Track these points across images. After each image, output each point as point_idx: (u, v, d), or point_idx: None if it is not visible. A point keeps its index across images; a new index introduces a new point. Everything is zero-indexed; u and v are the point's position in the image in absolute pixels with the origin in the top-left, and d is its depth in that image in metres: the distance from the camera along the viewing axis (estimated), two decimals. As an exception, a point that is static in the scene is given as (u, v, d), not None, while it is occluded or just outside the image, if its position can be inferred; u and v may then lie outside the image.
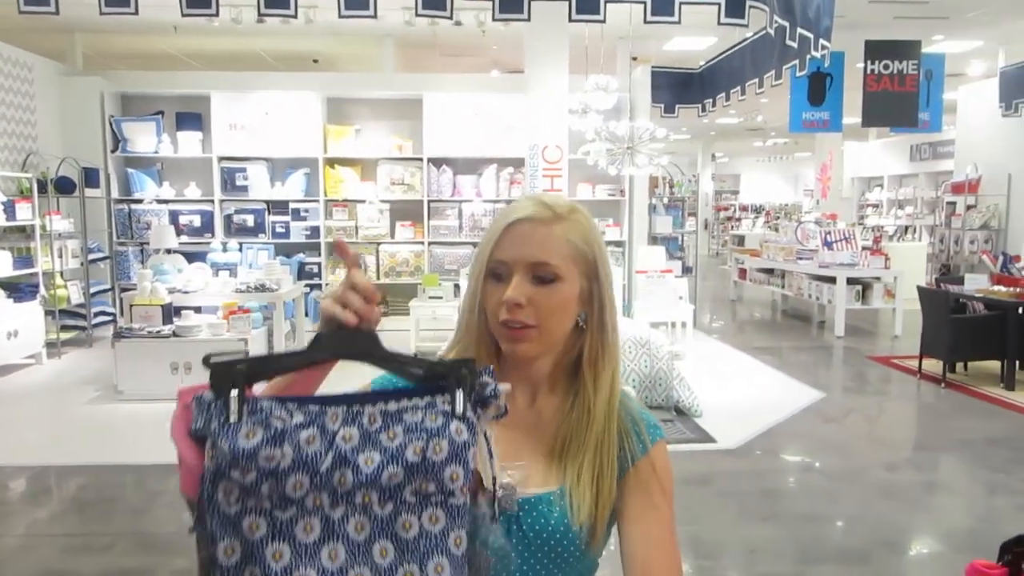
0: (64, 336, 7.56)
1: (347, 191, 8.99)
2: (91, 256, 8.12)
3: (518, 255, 1.04)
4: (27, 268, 7.15)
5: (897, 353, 7.85)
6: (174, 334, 5.98)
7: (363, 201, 8.99)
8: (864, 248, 9.14)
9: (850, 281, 8.74)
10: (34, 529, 3.85)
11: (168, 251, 7.36)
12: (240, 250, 7.92)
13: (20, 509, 4.19)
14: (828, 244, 9.05)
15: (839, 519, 3.98)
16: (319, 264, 9.11)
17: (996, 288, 6.87)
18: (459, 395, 0.87)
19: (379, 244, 9.08)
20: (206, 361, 0.85)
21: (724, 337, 8.87)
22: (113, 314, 8.25)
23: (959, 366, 6.93)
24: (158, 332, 5.98)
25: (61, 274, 7.66)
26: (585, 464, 1.04)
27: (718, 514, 3.99)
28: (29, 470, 4.60)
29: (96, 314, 8.09)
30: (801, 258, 9.60)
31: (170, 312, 6.14)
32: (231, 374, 0.83)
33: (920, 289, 7.01)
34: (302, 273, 8.88)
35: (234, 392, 0.82)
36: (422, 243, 9.08)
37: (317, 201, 8.95)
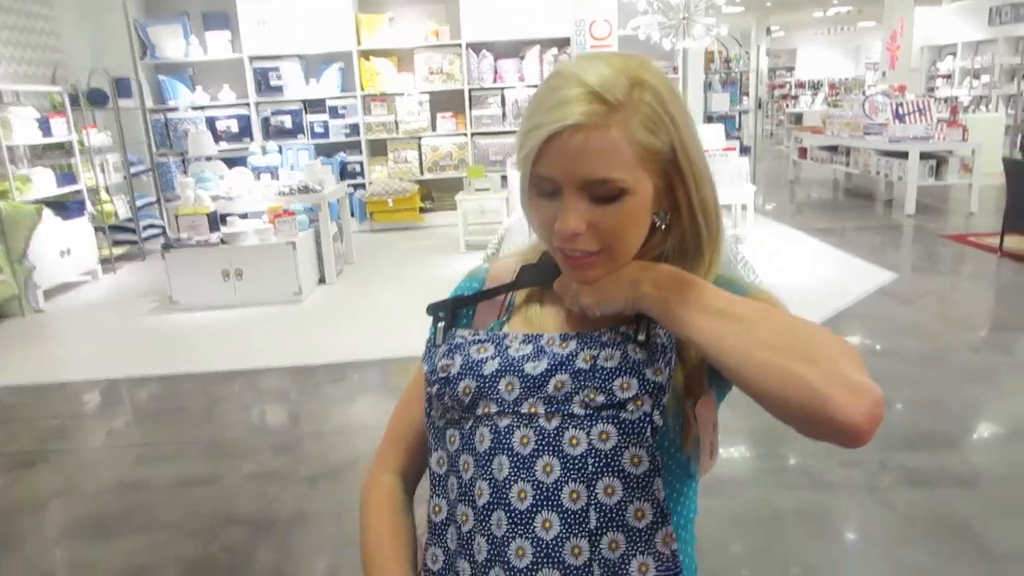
0: (117, 251, 7.58)
1: (384, 84, 8.66)
2: (133, 169, 8.04)
3: (568, 174, 0.79)
4: (71, 185, 7.09)
5: (974, 231, 7.40)
6: (222, 241, 5.91)
7: (401, 94, 8.67)
8: (939, 120, 8.51)
9: (923, 156, 8.18)
10: (107, 441, 3.89)
11: (208, 158, 7.21)
12: (280, 152, 7.73)
13: (92, 423, 4.24)
14: (899, 117, 8.45)
15: (922, 404, 3.78)
16: (361, 163, 8.91)
17: (1088, 152, 6.33)
18: (649, 327, 0.82)
19: (420, 138, 8.81)
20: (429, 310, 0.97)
21: (784, 219, 8.49)
22: (162, 226, 8.23)
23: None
24: (206, 241, 5.92)
25: (106, 189, 7.61)
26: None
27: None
28: (94, 384, 4.65)
29: (145, 227, 8.08)
30: (869, 133, 9.02)
31: (216, 220, 6.06)
32: (436, 308, 0.96)
33: (1006, 160, 6.50)
34: (344, 173, 8.70)
35: (440, 324, 0.94)
36: (465, 135, 8.78)
37: (354, 97, 8.66)
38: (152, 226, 8.25)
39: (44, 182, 6.71)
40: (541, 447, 0.79)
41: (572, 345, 0.83)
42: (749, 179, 7.52)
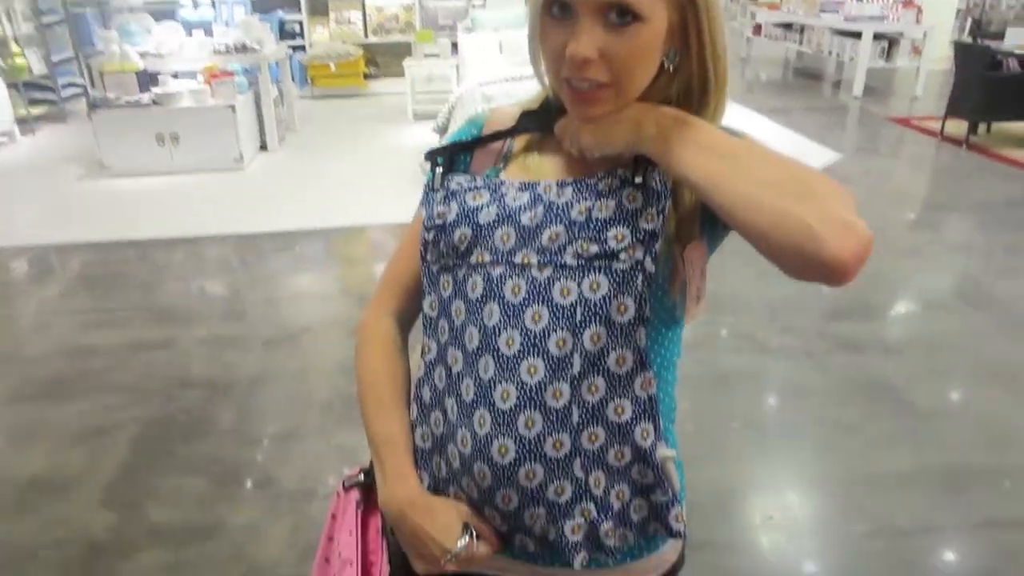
0: (35, 111, 7.12)
1: (323, -63, 8.09)
2: (44, 19, 7.41)
3: None
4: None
5: (917, 114, 7.54)
6: (154, 103, 5.59)
7: (342, -51, 8.12)
8: (896, 0, 8.46)
9: (876, 37, 8.18)
10: (46, 307, 3.80)
11: (131, 10, 6.70)
12: (213, 6, 7.23)
13: (28, 289, 4.12)
14: (856, -6, 8.37)
15: (857, 277, 3.95)
16: (300, 23, 8.44)
17: (1037, 42, 6.44)
18: (646, 170, 0.81)
19: (364, -1, 8.36)
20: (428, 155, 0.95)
21: (734, 97, 8.41)
22: (83, 85, 7.72)
23: (981, 128, 6.68)
24: (137, 101, 5.59)
25: (15, 40, 7.02)
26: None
27: (739, 273, 3.96)
28: (28, 250, 4.48)
29: (65, 86, 7.57)
30: (825, 11, 8.94)
31: (146, 79, 5.71)
32: (434, 153, 0.94)
33: (957, 44, 6.57)
34: (283, 33, 8.24)
35: (438, 169, 0.93)
36: (411, -4, 8.36)
37: (294, -48, 8.08)
38: (73, 84, 7.73)
39: None
40: (531, 296, 0.81)
41: (568, 193, 0.83)
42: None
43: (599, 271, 0.79)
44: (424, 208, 0.91)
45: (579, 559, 0.84)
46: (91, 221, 4.88)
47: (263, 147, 6.27)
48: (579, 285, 0.79)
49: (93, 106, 5.58)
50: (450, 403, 0.86)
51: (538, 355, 0.79)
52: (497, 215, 0.84)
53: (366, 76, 8.57)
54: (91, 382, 3.05)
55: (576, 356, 0.79)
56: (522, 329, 0.80)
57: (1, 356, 3.30)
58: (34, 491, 2.44)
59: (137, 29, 6.21)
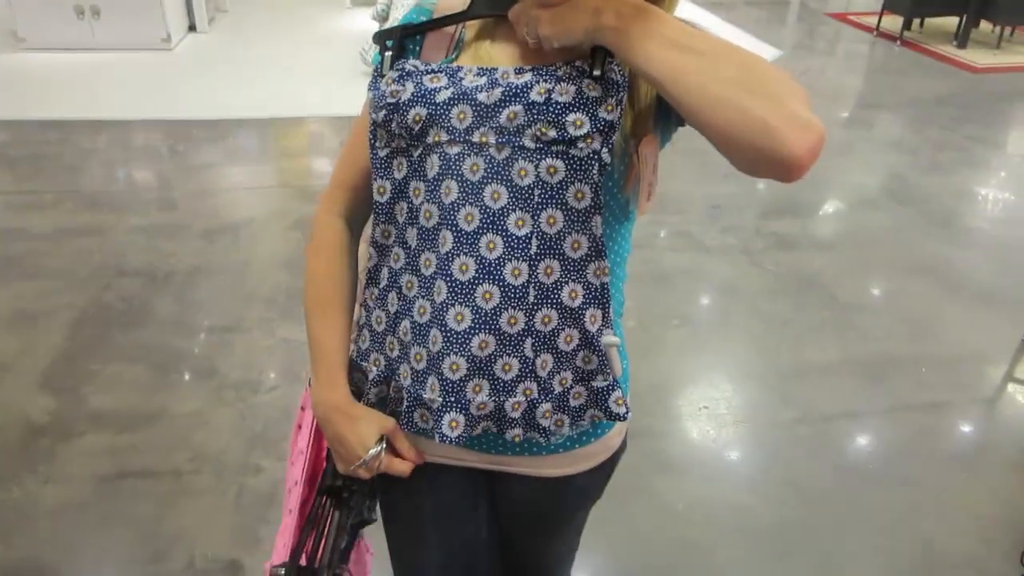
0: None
1: None
2: None
3: None
4: None
5: (854, 10, 7.56)
6: (70, -29, 5.17)
7: None
8: None
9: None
10: (-36, 188, 3.60)
11: None
12: None
13: (-60, 168, 3.88)
14: None
15: (793, 176, 4.06)
16: None
17: (974, -63, 6.45)
18: (605, 61, 0.78)
19: None
20: (375, 38, 0.90)
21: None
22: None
23: (915, 24, 6.75)
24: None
25: None
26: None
27: (682, 172, 4.00)
28: (-62, 126, 4.19)
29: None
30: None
31: (59, -56, 5.25)
32: (383, 35, 0.89)
33: (895, -64, 6.53)
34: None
35: (387, 53, 0.88)
36: None
37: None
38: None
39: None
40: (490, 175, 0.80)
41: (527, 77, 0.81)
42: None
43: (557, 156, 0.78)
44: (371, 91, 0.87)
45: (512, 433, 0.87)
46: (6, 97, 4.57)
47: (192, 28, 5.90)
48: (536, 168, 0.79)
49: (1, -29, 5.13)
50: (407, 279, 0.86)
51: (497, 232, 0.80)
52: (453, 94, 0.81)
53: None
54: (23, 266, 2.95)
55: (534, 238, 0.80)
56: (481, 207, 0.80)
57: (-81, 240, 3.14)
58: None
59: None
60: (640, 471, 2.12)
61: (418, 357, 0.85)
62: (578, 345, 0.85)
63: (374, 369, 0.92)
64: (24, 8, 5.14)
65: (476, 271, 0.81)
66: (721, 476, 2.18)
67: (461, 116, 0.80)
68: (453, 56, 0.91)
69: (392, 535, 1.08)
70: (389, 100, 0.83)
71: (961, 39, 6.35)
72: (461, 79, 0.83)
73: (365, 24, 5.58)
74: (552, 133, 0.77)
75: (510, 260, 0.81)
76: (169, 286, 2.86)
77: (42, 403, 2.29)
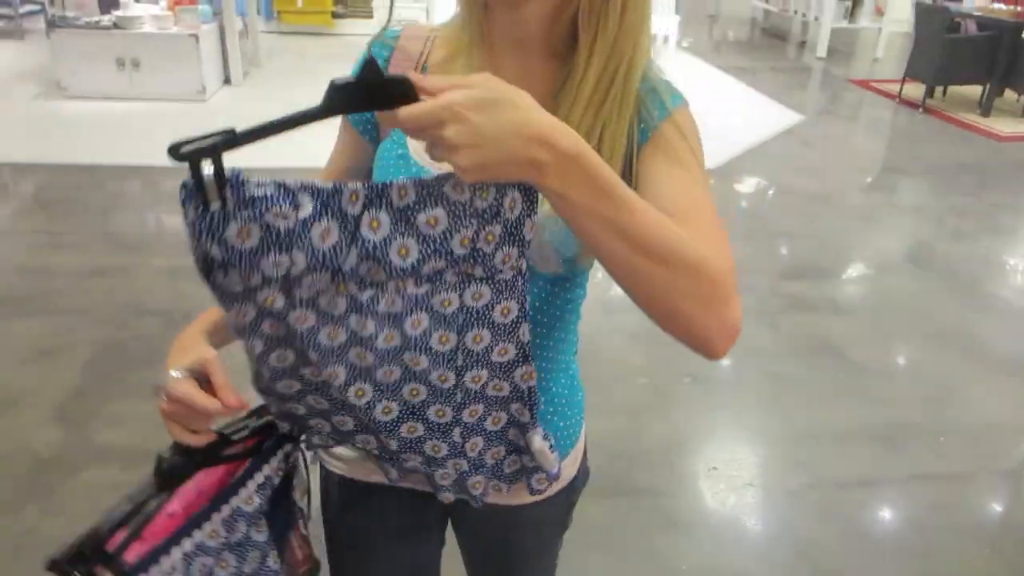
0: (-12, 26, 6.83)
1: None
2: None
3: None
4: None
5: (877, 76, 7.63)
6: (115, 25, 5.39)
7: None
8: (862, -41, 8.49)
9: (840, -5, 8.24)
10: (0, 226, 3.71)
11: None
12: (177, -70, 6.94)
13: (-23, 207, 4.01)
14: (825, -47, 8.36)
15: (812, 239, 4.06)
16: (267, -48, 8.15)
17: (996, 6, 6.55)
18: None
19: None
20: (174, 153, 0.61)
21: (701, 54, 8.46)
22: (42, 3, 7.39)
23: (938, 91, 6.80)
24: (97, 23, 5.39)
25: (-30, -50, 6.70)
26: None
27: (697, 231, 4.03)
28: (-21, 168, 4.34)
29: (23, 2, 7.26)
30: (792, -31, 8.94)
31: (107, 0, 5.50)
32: (203, 151, 0.61)
33: (917, 5, 6.63)
34: (249, -38, 7.95)
35: (208, 171, 0.61)
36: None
37: None
38: (32, 1, 7.41)
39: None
40: (410, 307, 0.73)
41: (443, 220, 0.68)
42: (674, 9, 7.40)
43: (481, 283, 0.73)
44: (197, 236, 0.63)
45: (444, 496, 0.88)
46: (46, 142, 4.73)
47: (227, 81, 6.10)
48: (460, 297, 0.74)
49: (52, 25, 5.38)
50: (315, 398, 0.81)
51: (421, 351, 0.76)
52: (359, 255, 0.67)
53: (334, 15, 8.34)
54: (45, 303, 3.01)
55: (459, 353, 0.77)
56: (402, 332, 0.74)
57: (-50, 275, 3.23)
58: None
59: (97, -54, 5.94)
60: (644, 529, 2.07)
61: (342, 423, 0.84)
62: (507, 424, 0.84)
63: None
64: (68, 59, 5.36)
65: (401, 376, 0.78)
66: (728, 540, 2.13)
67: (374, 272, 0.69)
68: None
69: (336, 557, 1.06)
70: (273, 271, 0.65)
71: (985, 107, 6.37)
72: (359, 227, 0.67)
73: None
74: (479, 271, 0.72)
75: (436, 369, 0.78)
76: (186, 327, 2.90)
77: (51, 437, 2.31)
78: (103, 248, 3.50)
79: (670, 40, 7.21)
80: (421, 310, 0.73)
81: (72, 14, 5.40)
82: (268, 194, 0.63)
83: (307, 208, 0.63)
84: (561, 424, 0.96)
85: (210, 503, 0.84)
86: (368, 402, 0.77)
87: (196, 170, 0.61)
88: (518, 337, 0.77)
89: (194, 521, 0.84)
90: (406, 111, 0.60)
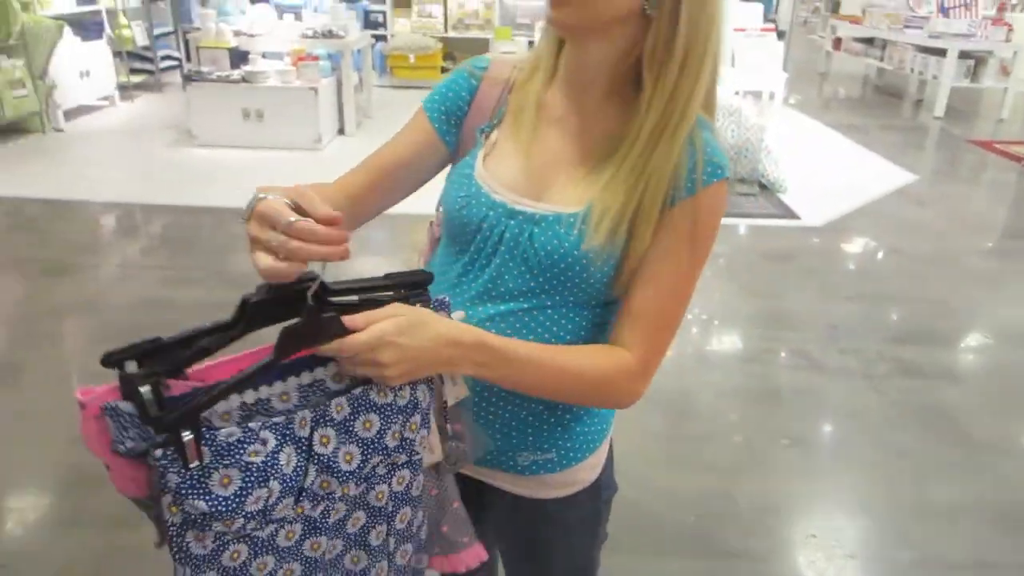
0: (134, 79, 7.46)
1: (414, -69, 8.24)
2: (151, -6, 7.78)
3: None
4: (89, 4, 6.90)
5: (1001, 138, 7.28)
6: (243, 80, 5.81)
7: (432, -58, 8.26)
8: (985, 17, 8.17)
9: (961, 55, 7.91)
10: (129, 261, 4.01)
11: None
12: (304, -9, 7.47)
13: (114, 243, 4.35)
14: (944, 11, 8.12)
15: (924, 302, 3.87)
16: (384, 13, 8.62)
17: None
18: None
19: (448, -7, 8.48)
20: (110, 362, 0.69)
21: (809, 112, 8.31)
22: (178, 59, 8.05)
23: (1069, 155, 6.42)
24: (227, 77, 5.82)
25: (124, 13, 7.38)
26: (620, 182, 0.87)
27: (800, 290, 3.92)
28: (117, 207, 4.71)
29: (162, 58, 7.91)
30: (909, 26, 8.68)
31: (238, 57, 5.93)
32: (130, 380, 0.68)
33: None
34: (367, 22, 8.43)
35: (187, 435, 0.67)
36: (494, -7, 8.44)
37: (383, -58, 8.26)
38: (169, 57, 8.07)
39: (64, -2, 6.52)
40: (351, 508, 0.83)
41: (376, 423, 0.80)
42: (782, 66, 7.33)
43: (403, 467, 0.85)
44: (180, 498, 0.69)
45: None
46: (175, 185, 5.10)
47: (341, 131, 6.44)
48: (389, 486, 0.84)
49: (187, 78, 5.83)
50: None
51: (360, 548, 0.86)
52: (316, 470, 0.76)
53: (443, 69, 8.69)
54: (167, 333, 3.20)
55: (391, 538, 0.87)
56: (344, 535, 0.83)
57: (86, 302, 3.50)
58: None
59: (233, 9, 6.46)
60: (735, 595, 2.00)
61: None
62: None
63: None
64: (199, 110, 5.80)
65: (343, 546, 0.86)
66: (825, 613, 2.02)
67: (325, 484, 0.77)
68: (493, 122, 0.99)
69: None
70: (251, 508, 0.71)
71: (1120, 172, 5.97)
72: (311, 447, 0.76)
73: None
74: (402, 458, 0.83)
75: (376, 563, 0.88)
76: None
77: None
78: (220, 284, 3.72)
79: (776, 97, 7.12)
80: (360, 508, 0.83)
81: (206, 69, 5.84)
82: (238, 439, 0.70)
83: (272, 441, 0.72)
84: (579, 429, 1.02)
85: (292, 363, 0.77)
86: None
87: (175, 436, 0.68)
88: (421, 500, 0.89)
89: (266, 372, 0.74)
90: (349, 342, 0.72)
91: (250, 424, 0.72)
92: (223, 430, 0.70)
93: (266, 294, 0.75)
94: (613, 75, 0.90)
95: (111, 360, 0.69)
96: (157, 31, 7.87)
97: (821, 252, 4.47)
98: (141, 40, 7.61)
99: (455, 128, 1.03)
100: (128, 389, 0.68)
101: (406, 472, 0.85)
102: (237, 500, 0.69)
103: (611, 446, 1.11)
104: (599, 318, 0.96)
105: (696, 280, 0.93)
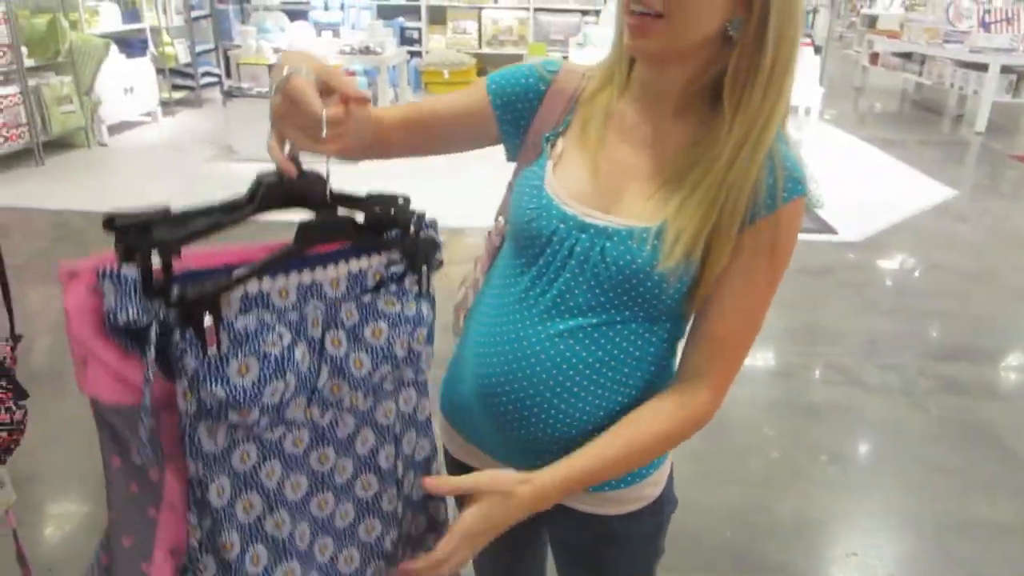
0: (176, 96, 7.64)
1: (450, -53, 8.36)
2: (193, 13, 7.98)
3: None
4: (135, 23, 7.10)
5: (1044, 152, 7.16)
6: (283, 95, 5.91)
7: (467, -40, 8.36)
8: (1027, 31, 8.04)
9: (1003, 69, 7.77)
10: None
11: (268, 8, 7.12)
12: (342, 9, 7.59)
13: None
14: (985, 25, 8.00)
15: (965, 318, 3.81)
16: (419, 30, 8.73)
17: None
18: (425, 273, 0.86)
19: (481, 9, 8.57)
20: (112, 228, 0.64)
21: (846, 127, 8.23)
22: (219, 75, 8.23)
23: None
24: (267, 92, 5.92)
25: (167, 31, 7.58)
26: (696, 202, 0.85)
27: (838, 304, 3.87)
28: (158, 220, 4.82)
29: (203, 74, 8.09)
30: (949, 41, 8.56)
31: (277, 72, 6.05)
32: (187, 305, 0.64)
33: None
34: (403, 39, 8.54)
35: (208, 319, 0.65)
36: (527, 9, 8.51)
37: (419, -41, 8.38)
38: (209, 74, 8.25)
39: (110, 16, 6.72)
40: (360, 424, 0.85)
41: (386, 328, 0.82)
42: (818, 81, 7.28)
43: (410, 386, 0.87)
44: (197, 383, 0.67)
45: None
46: (213, 197, 5.19)
47: (376, 145, 6.52)
48: (396, 403, 0.87)
49: (228, 94, 5.97)
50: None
51: (371, 471, 0.88)
52: (329, 372, 0.77)
53: (478, 84, 8.78)
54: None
55: (400, 462, 0.90)
56: (353, 456, 0.85)
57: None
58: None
59: (272, 27, 6.60)
60: (775, 611, 1.97)
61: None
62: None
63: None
64: (239, 125, 5.91)
65: (356, 512, 0.89)
66: (867, 631, 1.99)
67: (336, 388, 0.78)
68: (560, 129, 0.98)
69: None
70: (268, 400, 0.70)
71: None
72: (324, 348, 0.77)
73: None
74: (409, 374, 0.86)
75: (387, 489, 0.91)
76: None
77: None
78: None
79: (812, 112, 7.06)
80: (368, 426, 0.84)
81: (246, 85, 5.96)
82: (256, 329, 0.69)
83: (287, 336, 0.72)
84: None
85: (297, 258, 0.77)
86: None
87: (192, 315, 0.65)
88: (432, 431, 0.94)
89: (270, 264, 0.73)
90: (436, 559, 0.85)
91: (264, 317, 0.71)
92: (239, 320, 0.69)
93: (279, 180, 0.76)
94: (688, 92, 0.90)
95: (114, 226, 0.63)
96: (199, 48, 8.06)
97: (859, 267, 4.41)
98: (183, 57, 7.80)
99: (515, 125, 1.02)
100: (133, 256, 0.62)
101: (412, 392, 0.87)
102: (255, 390, 0.68)
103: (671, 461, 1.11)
104: (670, 333, 0.95)
105: (771, 299, 0.92)
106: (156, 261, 0.65)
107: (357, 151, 0.92)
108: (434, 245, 0.86)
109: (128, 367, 0.64)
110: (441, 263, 0.90)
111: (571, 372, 0.91)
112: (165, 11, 7.56)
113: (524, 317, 0.93)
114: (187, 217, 0.72)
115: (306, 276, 0.76)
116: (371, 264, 0.82)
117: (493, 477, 0.86)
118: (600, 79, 0.98)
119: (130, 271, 0.62)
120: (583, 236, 0.90)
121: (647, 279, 0.87)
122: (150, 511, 0.71)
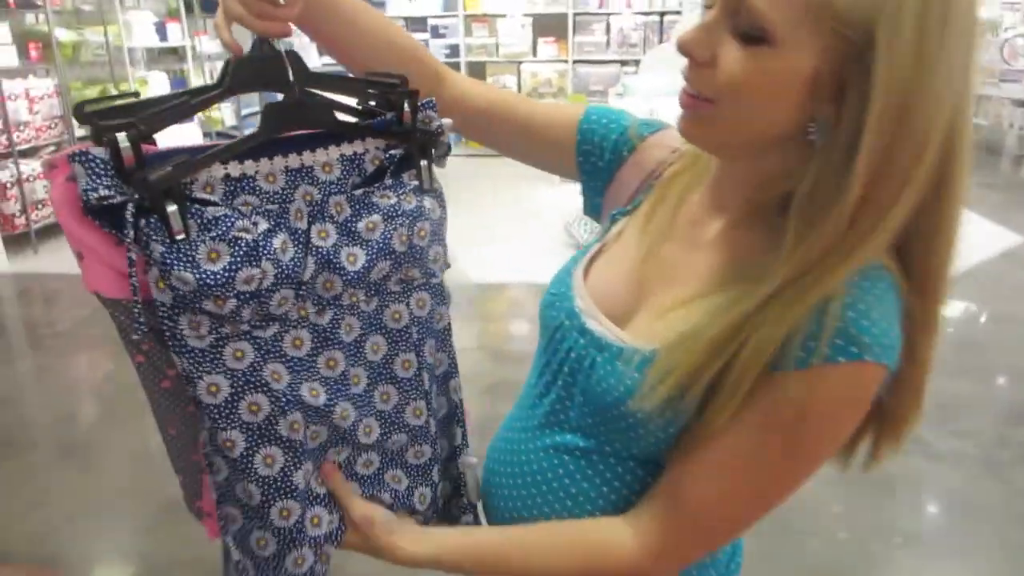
0: (221, 157, 7.80)
1: (487, 5, 8.47)
2: (240, 78, 8.18)
3: None
4: (183, 89, 7.27)
5: (1115, 193, 6.80)
6: (323, 156, 5.96)
7: (504, 15, 8.44)
8: (1088, 69, 7.76)
9: (1064, 108, 7.50)
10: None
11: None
12: (382, 71, 7.69)
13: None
14: (1042, 63, 7.74)
15: (1046, 376, 3.53)
16: (460, 86, 8.81)
17: None
18: (425, 166, 0.78)
19: (520, 63, 8.62)
20: (83, 117, 0.65)
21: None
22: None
23: None
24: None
25: (214, 96, 7.77)
26: (708, 336, 0.65)
27: (902, 363, 3.63)
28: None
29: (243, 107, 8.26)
30: (1005, 80, 8.31)
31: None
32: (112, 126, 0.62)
33: None
34: (443, 96, 8.63)
35: (172, 207, 0.63)
36: (566, 61, 8.52)
37: (456, 16, 8.48)
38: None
39: (160, 85, 6.89)
40: (368, 329, 0.79)
41: (381, 226, 0.75)
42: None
43: (421, 288, 0.81)
44: (165, 269, 0.64)
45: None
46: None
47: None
48: (407, 306, 0.80)
49: (269, 157, 6.02)
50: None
51: (388, 381, 0.80)
52: (316, 264, 0.71)
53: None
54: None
55: (424, 372, 0.82)
56: (366, 363, 0.79)
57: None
58: (172, 510, 2.53)
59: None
60: None
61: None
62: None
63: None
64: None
65: (381, 431, 0.81)
66: None
67: (329, 284, 0.73)
68: (629, 208, 0.87)
69: None
70: (244, 287, 0.66)
71: None
72: (309, 239, 0.72)
73: (572, 199, 5.84)
74: (416, 273, 0.79)
75: (409, 403, 0.82)
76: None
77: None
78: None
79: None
80: (377, 332, 0.78)
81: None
82: (225, 214, 0.66)
83: (263, 224, 0.67)
84: (713, 573, 0.86)
85: (279, 142, 0.72)
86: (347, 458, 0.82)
87: (155, 196, 0.63)
88: (451, 344, 0.88)
89: (251, 143, 0.70)
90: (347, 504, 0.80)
91: (239, 207, 0.69)
92: (209, 208, 0.66)
93: (247, 59, 0.74)
94: (756, 198, 0.71)
95: (84, 115, 0.65)
96: (244, 111, 8.23)
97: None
98: (230, 120, 7.96)
99: (594, 179, 0.92)
100: (102, 137, 0.62)
101: (425, 295, 0.82)
102: (226, 275, 0.65)
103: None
104: None
105: (787, 484, 0.69)
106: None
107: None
108: (433, 132, 0.78)
109: (120, 257, 0.64)
110: (449, 149, 0.81)
111: (552, 493, 0.80)
112: (213, 77, 7.75)
113: (528, 426, 0.85)
114: (158, 101, 0.72)
115: (293, 160, 0.73)
116: (367, 147, 0.77)
117: (383, 524, 0.79)
118: (686, 159, 0.83)
119: (99, 151, 0.62)
120: (581, 340, 0.78)
121: (628, 413, 0.71)
122: (189, 408, 0.72)
